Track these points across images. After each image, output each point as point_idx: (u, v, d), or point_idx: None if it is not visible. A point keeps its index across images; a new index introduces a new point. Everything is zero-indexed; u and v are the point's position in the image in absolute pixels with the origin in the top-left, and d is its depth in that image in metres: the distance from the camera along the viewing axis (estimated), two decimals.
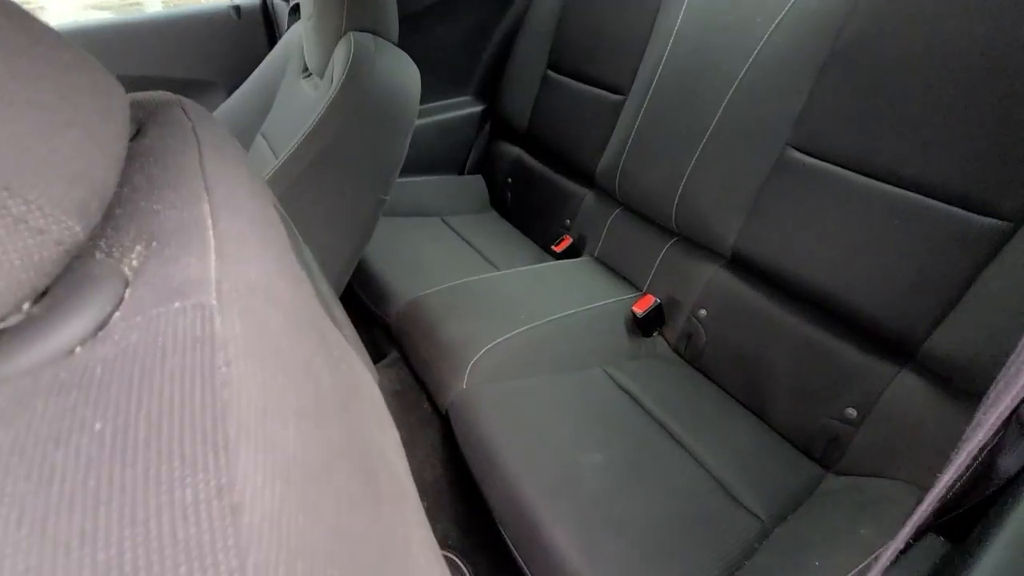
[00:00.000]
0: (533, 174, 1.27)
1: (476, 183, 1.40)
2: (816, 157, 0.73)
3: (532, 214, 1.28)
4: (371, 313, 1.02)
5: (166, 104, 0.25)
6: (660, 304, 0.93)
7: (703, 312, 0.88)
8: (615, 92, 1.05)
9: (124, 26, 1.04)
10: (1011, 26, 0.56)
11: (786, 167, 0.76)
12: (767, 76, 0.78)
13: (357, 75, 0.75)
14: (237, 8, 1.10)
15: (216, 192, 0.20)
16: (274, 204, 0.27)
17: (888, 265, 0.66)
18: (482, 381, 0.78)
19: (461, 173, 1.43)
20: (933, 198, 0.62)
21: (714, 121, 0.84)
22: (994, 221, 0.58)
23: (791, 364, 0.77)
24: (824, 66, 0.72)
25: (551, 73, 1.20)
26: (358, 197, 0.80)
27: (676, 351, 0.93)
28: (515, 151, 1.33)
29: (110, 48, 1.04)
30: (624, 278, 1.03)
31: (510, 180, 1.33)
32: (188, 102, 0.27)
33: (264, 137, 0.99)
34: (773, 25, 0.78)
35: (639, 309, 0.92)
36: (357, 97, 0.75)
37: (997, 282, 0.58)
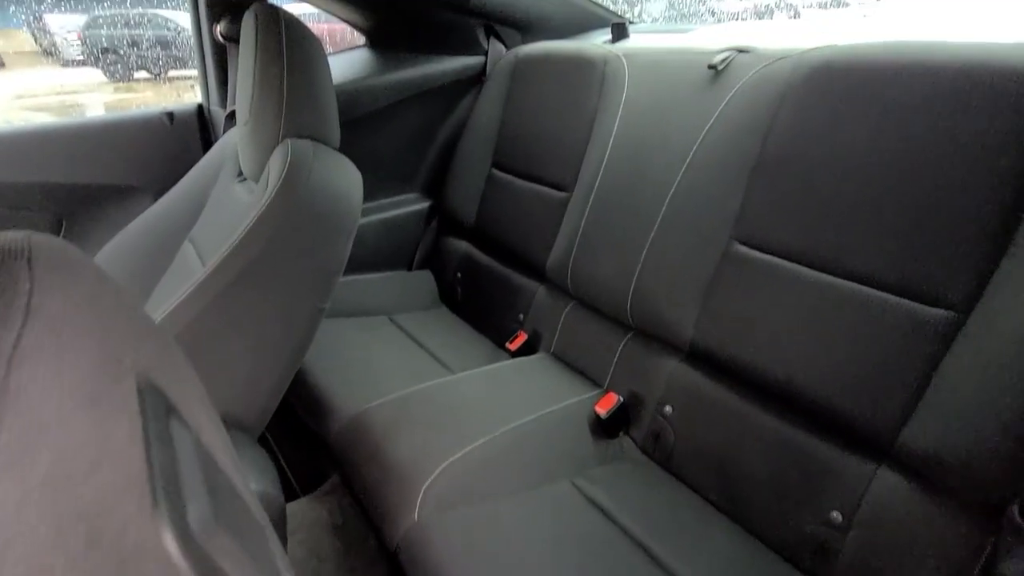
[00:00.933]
0: (483, 268, 1.25)
1: (425, 278, 1.37)
2: (761, 250, 0.74)
3: (484, 309, 1.24)
4: (308, 431, 0.92)
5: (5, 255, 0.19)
6: (623, 402, 0.89)
7: (668, 409, 0.84)
8: (559, 189, 1.07)
9: (53, 130, 0.98)
10: (934, 120, 0.60)
11: (733, 260, 0.77)
12: (704, 177, 0.81)
13: (293, 182, 0.71)
14: (170, 114, 1.07)
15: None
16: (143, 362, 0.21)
17: (847, 357, 0.65)
18: (437, 509, 0.68)
19: (409, 269, 1.39)
20: (880, 289, 0.63)
21: (659, 217, 0.85)
22: (942, 311, 0.59)
23: (765, 463, 0.73)
24: (756, 167, 0.75)
25: (496, 171, 1.22)
26: (292, 308, 0.73)
27: (644, 451, 0.87)
28: (463, 246, 1.31)
29: (39, 152, 0.98)
30: (583, 374, 0.99)
31: (459, 275, 1.30)
32: (43, 248, 0.21)
33: (192, 243, 0.92)
34: (703, 133, 0.82)
35: (602, 409, 0.87)
36: (292, 204, 0.71)
37: (955, 373, 0.57)
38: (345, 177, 0.80)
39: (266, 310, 0.71)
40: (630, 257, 0.89)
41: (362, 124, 1.21)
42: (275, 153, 0.76)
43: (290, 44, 0.75)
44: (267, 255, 0.69)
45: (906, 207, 0.61)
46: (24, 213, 0.97)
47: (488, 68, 1.29)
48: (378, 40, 1.28)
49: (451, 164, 1.32)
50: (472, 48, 1.28)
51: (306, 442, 0.94)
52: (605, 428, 0.88)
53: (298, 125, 0.78)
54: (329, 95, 0.82)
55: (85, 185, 1.01)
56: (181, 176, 1.00)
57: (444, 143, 1.35)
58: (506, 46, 1.30)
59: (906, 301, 0.61)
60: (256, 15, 0.75)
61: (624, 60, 0.99)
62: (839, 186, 0.66)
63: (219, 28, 1.00)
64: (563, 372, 1.00)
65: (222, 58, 1.09)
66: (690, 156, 0.82)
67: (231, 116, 1.08)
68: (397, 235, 1.34)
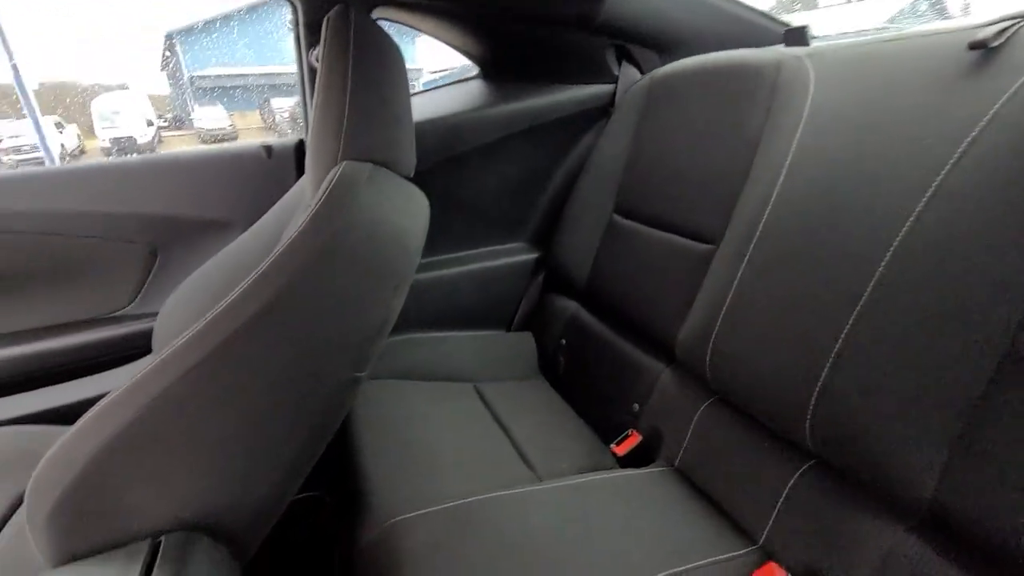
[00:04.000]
0: (593, 337, 0.99)
1: (524, 341, 1.14)
2: None
3: (590, 389, 0.97)
4: (334, 530, 0.71)
5: None
6: None
7: None
8: (701, 240, 0.78)
9: (152, 163, 0.99)
10: None
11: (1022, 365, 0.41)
12: (963, 219, 0.47)
13: (331, 207, 0.55)
14: (269, 148, 1.03)
15: None
16: None
17: None
18: None
19: (508, 330, 1.18)
20: None
21: (871, 282, 0.53)
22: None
23: None
24: None
25: (618, 218, 0.97)
26: (317, 371, 0.55)
27: None
28: (572, 306, 1.07)
29: (137, 184, 0.99)
30: (725, 514, 0.65)
31: (564, 341, 1.05)
32: None
33: None
34: (965, 143, 0.49)
35: None
36: (326, 235, 0.54)
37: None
38: (406, 211, 0.62)
39: (275, 374, 0.53)
40: (814, 342, 0.56)
41: (465, 162, 1.06)
42: (326, 178, 0.61)
43: (358, 51, 0.61)
44: (288, 296, 0.52)
45: None
46: (119, 243, 0.97)
47: (618, 97, 1.07)
48: (492, 69, 1.15)
49: (564, 210, 1.10)
50: (600, 75, 1.08)
51: (329, 545, 0.74)
52: None
53: (359, 146, 0.63)
54: (404, 115, 0.67)
55: (180, 217, 0.99)
56: None
57: (559, 186, 1.15)
58: (641, 71, 1.08)
59: None
60: (328, 21, 0.63)
61: (808, 62, 0.70)
62: None
63: (314, 54, 0.93)
64: (693, 504, 0.67)
65: None
66: (935, 185, 0.50)
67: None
68: (496, 289, 1.15)
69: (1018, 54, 0.48)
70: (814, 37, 0.90)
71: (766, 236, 0.66)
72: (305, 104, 1.01)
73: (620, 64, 1.07)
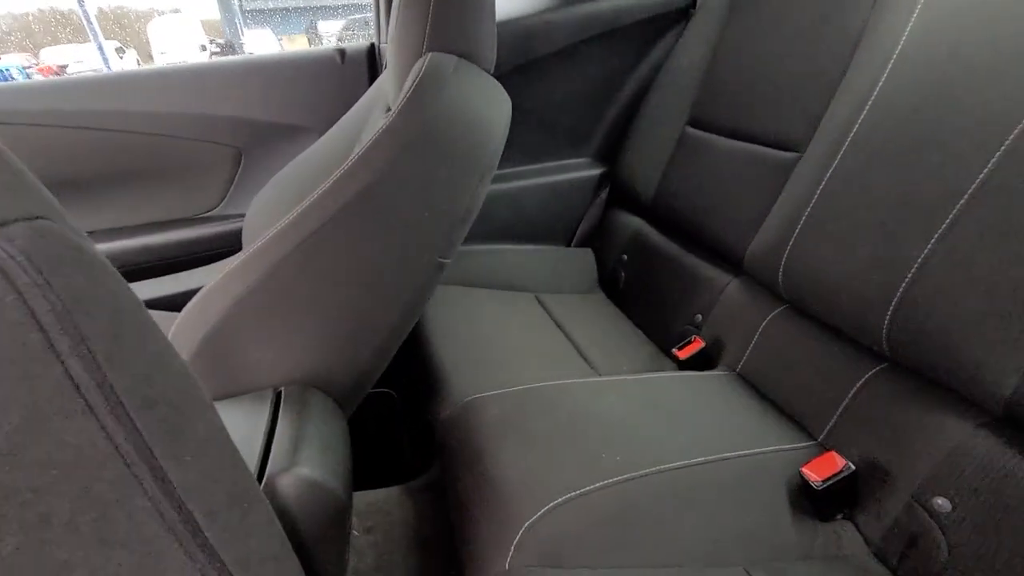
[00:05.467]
0: (656, 251, 0.99)
1: (585, 257, 1.16)
2: None
3: (651, 302, 0.98)
4: (417, 408, 0.78)
5: None
6: (855, 472, 0.56)
7: (942, 503, 0.50)
8: (784, 149, 0.76)
9: (227, 66, 1.01)
10: None
11: None
12: None
13: (422, 98, 0.56)
14: (342, 52, 1.03)
15: None
16: None
17: None
18: (536, 561, 0.48)
19: (569, 245, 1.20)
20: None
21: (972, 186, 0.51)
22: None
23: None
24: None
25: (691, 130, 0.94)
26: (406, 255, 0.59)
27: (881, 557, 0.54)
28: (636, 222, 1.07)
29: (221, 87, 1.02)
30: (786, 414, 0.68)
31: (625, 257, 1.06)
32: None
33: None
34: None
35: (816, 475, 0.56)
36: (417, 124, 0.56)
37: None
38: (491, 103, 0.63)
39: (373, 252, 0.57)
40: (900, 247, 0.55)
41: (533, 70, 1.03)
42: (413, 68, 0.62)
43: None
44: (380, 184, 0.55)
45: None
46: (209, 144, 1.02)
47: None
48: None
49: (633, 123, 1.07)
50: None
51: (421, 420, 0.81)
52: (816, 504, 0.57)
53: (444, 38, 0.63)
54: (487, 8, 0.66)
55: (261, 121, 1.02)
56: None
57: (629, 98, 1.11)
58: None
59: None
60: None
61: None
62: None
63: None
64: (754, 403, 0.70)
65: None
66: None
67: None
68: (559, 204, 1.15)
69: None
70: None
71: (859, 140, 0.63)
72: (377, 8, 1.00)
73: None
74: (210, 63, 1.00)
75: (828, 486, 0.55)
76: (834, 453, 0.58)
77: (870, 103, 0.63)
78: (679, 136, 0.96)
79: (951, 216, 0.52)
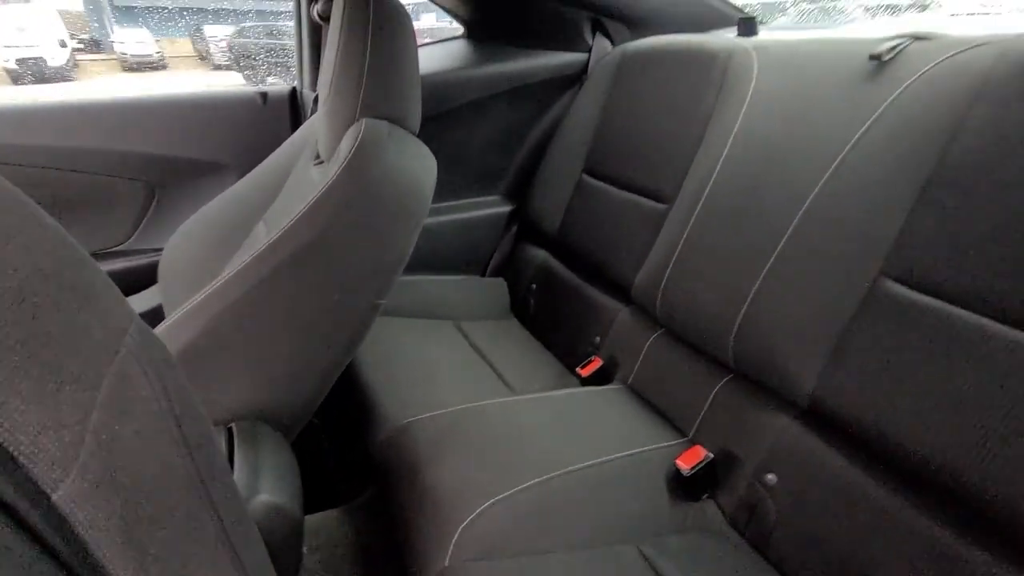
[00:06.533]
0: (561, 282, 1.14)
1: (497, 286, 1.28)
2: (925, 292, 0.57)
3: (557, 326, 1.12)
4: (353, 435, 0.85)
5: None
6: (712, 459, 0.73)
7: (771, 478, 0.68)
8: (658, 200, 0.93)
9: (150, 103, 1.01)
10: None
11: (883, 301, 0.60)
12: (852, 190, 0.64)
13: (362, 161, 0.65)
14: (264, 95, 1.07)
15: None
16: None
17: None
18: (473, 557, 0.58)
19: (483, 275, 1.31)
20: None
21: (784, 237, 0.70)
22: None
23: (906, 573, 0.55)
24: (931, 181, 0.58)
25: (587, 177, 1.11)
26: (347, 299, 0.66)
27: (734, 525, 0.71)
28: (542, 255, 1.21)
29: (136, 122, 1.01)
30: (665, 417, 0.84)
31: (534, 286, 1.20)
32: None
33: (265, 223, 0.90)
34: (856, 136, 0.65)
35: (685, 464, 0.72)
36: (358, 185, 0.64)
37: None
38: (420, 164, 0.73)
39: (317, 298, 0.64)
40: (740, 284, 0.73)
41: (449, 118, 1.15)
42: (349, 132, 0.70)
43: (377, 19, 0.69)
44: (324, 238, 0.63)
45: None
46: (119, 179, 1.00)
47: (590, 66, 1.18)
48: (476, 31, 1.22)
49: (539, 167, 1.22)
50: (576, 44, 1.18)
51: (351, 446, 0.87)
52: (686, 488, 0.72)
53: (376, 105, 0.72)
54: (413, 77, 0.76)
55: (177, 158, 1.03)
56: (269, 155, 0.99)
57: (534, 145, 1.26)
58: (613, 43, 1.19)
59: None
60: None
61: (754, 53, 0.85)
62: None
63: (316, 8, 0.98)
64: (641, 411, 0.85)
65: (317, 40, 1.08)
66: (835, 164, 0.66)
67: (319, 99, 1.07)
68: (473, 238, 1.27)
69: (901, 68, 0.65)
70: (762, 24, 1.05)
71: (711, 198, 0.82)
72: (300, 55, 1.06)
73: (594, 35, 1.18)
74: (128, 99, 0.99)
75: (694, 473, 0.71)
76: (699, 446, 0.74)
77: (716, 171, 0.82)
78: (577, 181, 1.12)
79: (769, 263, 0.71)
